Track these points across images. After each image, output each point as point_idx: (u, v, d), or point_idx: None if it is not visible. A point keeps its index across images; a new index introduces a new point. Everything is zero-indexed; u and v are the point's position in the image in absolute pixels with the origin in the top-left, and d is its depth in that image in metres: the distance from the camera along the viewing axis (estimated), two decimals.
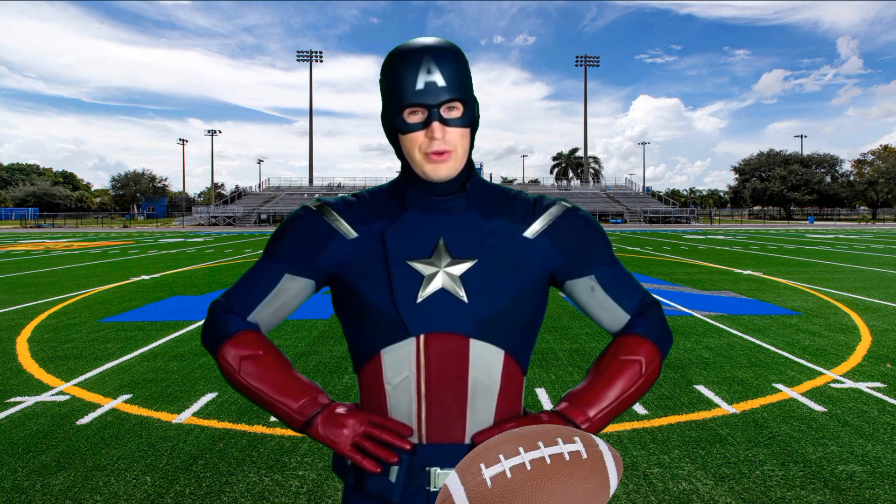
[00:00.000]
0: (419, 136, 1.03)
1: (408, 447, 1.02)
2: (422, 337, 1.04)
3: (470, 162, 1.11)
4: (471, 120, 1.06)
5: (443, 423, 1.05)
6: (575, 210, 1.15)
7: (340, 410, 1.04)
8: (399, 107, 1.03)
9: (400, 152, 1.09)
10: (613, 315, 1.14)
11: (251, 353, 1.08)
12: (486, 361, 1.05)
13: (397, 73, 1.02)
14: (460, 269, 1.05)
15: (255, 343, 1.09)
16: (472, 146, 1.09)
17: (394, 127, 1.06)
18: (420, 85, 1.00)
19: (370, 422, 1.03)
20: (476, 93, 1.10)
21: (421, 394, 1.04)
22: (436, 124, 1.01)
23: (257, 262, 1.18)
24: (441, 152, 1.03)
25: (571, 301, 1.17)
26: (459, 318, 1.03)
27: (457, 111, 1.03)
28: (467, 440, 1.05)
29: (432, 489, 1.05)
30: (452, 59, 1.03)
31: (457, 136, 1.04)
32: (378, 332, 1.06)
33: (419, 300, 1.04)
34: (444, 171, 1.04)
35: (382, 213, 1.12)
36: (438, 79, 1.01)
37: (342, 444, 1.01)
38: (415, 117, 1.03)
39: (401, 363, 1.05)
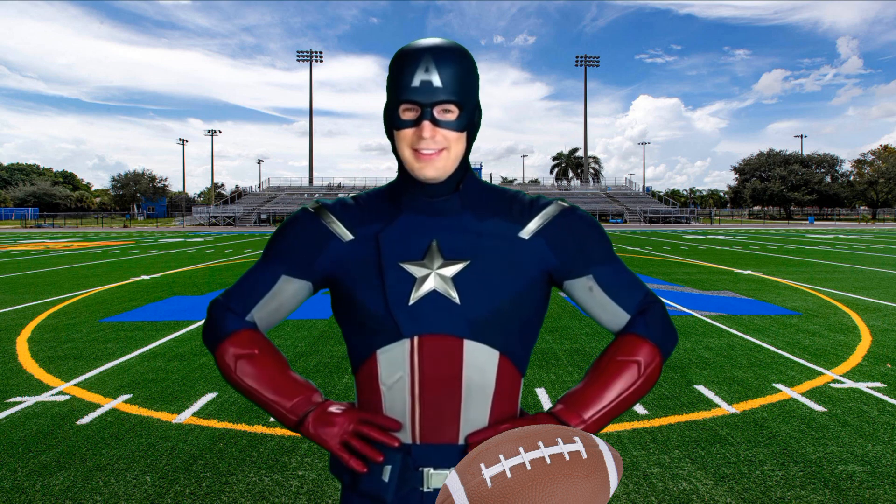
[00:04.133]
0: (409, 133, 1.04)
1: (396, 444, 1.03)
2: (415, 338, 1.04)
3: (465, 163, 1.11)
4: (466, 125, 1.05)
5: (437, 423, 1.05)
6: (573, 209, 1.13)
7: (333, 409, 1.05)
8: (395, 102, 1.03)
9: (395, 149, 1.09)
10: (613, 315, 1.13)
11: (247, 352, 1.10)
12: (480, 362, 1.05)
13: (398, 69, 1.03)
14: (452, 270, 1.05)
15: (251, 342, 1.11)
16: (468, 151, 1.09)
17: (390, 122, 1.06)
18: (416, 83, 1.01)
19: (360, 419, 1.04)
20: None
21: (415, 394, 1.04)
22: (426, 124, 1.01)
23: (256, 262, 1.19)
24: (429, 152, 1.03)
25: (572, 301, 1.16)
26: (452, 320, 1.03)
27: (451, 114, 1.03)
28: (461, 441, 1.05)
29: (426, 489, 1.05)
30: (454, 62, 1.02)
31: (449, 138, 1.03)
32: (373, 333, 1.06)
33: (411, 302, 1.04)
34: (430, 171, 1.04)
35: (378, 215, 1.12)
36: (435, 79, 1.00)
37: (331, 441, 1.02)
38: (409, 114, 1.03)
39: (395, 364, 1.05)
